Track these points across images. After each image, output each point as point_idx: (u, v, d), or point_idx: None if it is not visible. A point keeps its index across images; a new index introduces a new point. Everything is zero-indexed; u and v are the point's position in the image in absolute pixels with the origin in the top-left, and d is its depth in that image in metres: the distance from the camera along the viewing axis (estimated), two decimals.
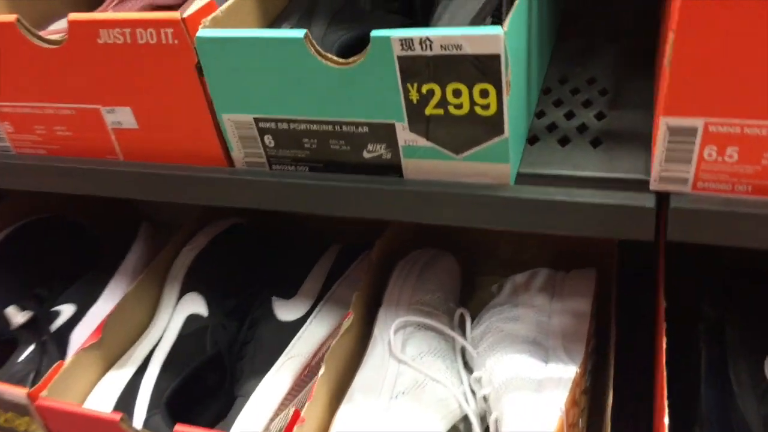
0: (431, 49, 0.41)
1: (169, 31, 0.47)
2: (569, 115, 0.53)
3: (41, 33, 0.51)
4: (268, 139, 0.49)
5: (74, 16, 0.49)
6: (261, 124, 0.49)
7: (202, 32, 0.46)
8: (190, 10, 0.47)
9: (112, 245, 0.74)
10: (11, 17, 0.50)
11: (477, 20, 0.45)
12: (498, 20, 0.47)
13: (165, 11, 0.59)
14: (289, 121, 0.48)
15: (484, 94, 0.42)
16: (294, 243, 0.73)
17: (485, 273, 0.79)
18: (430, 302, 0.61)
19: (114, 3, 0.60)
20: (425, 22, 0.53)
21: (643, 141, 0.49)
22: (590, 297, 0.61)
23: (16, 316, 0.64)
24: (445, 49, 0.41)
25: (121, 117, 0.53)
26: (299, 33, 0.44)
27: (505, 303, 0.62)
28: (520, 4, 0.43)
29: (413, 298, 0.61)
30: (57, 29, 0.64)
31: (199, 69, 0.48)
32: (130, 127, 0.53)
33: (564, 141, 0.51)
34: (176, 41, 0.47)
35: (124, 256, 0.71)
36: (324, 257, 0.69)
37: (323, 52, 0.44)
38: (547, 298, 0.61)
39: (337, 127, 0.47)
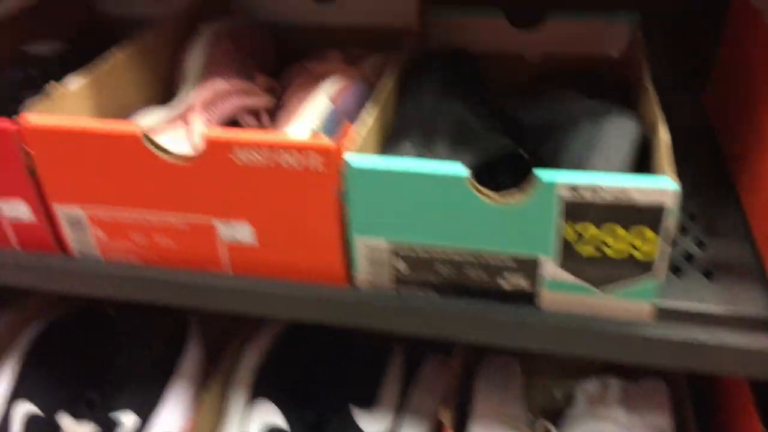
0: (600, 197, 0.42)
1: (318, 157, 0.46)
2: (672, 243, 0.56)
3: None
4: (401, 264, 0.49)
5: (210, 132, 0.47)
6: (396, 249, 0.48)
7: (354, 162, 0.46)
8: (332, 139, 0.46)
9: (161, 342, 0.70)
10: (137, 130, 0.48)
11: (631, 165, 0.47)
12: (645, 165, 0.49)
13: (257, 111, 0.59)
14: (426, 249, 0.48)
15: (644, 238, 0.43)
16: (353, 343, 0.72)
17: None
18: (514, 414, 0.61)
19: (199, 104, 0.58)
20: (537, 145, 0.55)
21: (755, 274, 0.51)
22: (666, 409, 0.62)
23: (73, 427, 0.60)
24: (615, 197, 0.42)
25: (238, 232, 0.51)
26: (460, 170, 0.44)
27: (584, 415, 0.63)
28: (665, 146, 0.45)
29: (501, 410, 0.61)
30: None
31: (342, 195, 0.47)
32: (247, 242, 0.52)
33: (675, 270, 0.53)
34: (323, 168, 0.46)
35: (179, 355, 0.68)
36: (393, 361, 0.68)
37: (483, 190, 0.45)
38: (626, 412, 0.63)
39: (480, 258, 0.47)
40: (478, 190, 0.45)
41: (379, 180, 0.46)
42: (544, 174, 0.43)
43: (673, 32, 0.75)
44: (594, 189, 0.42)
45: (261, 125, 0.61)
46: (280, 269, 0.52)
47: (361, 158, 0.46)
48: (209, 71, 0.65)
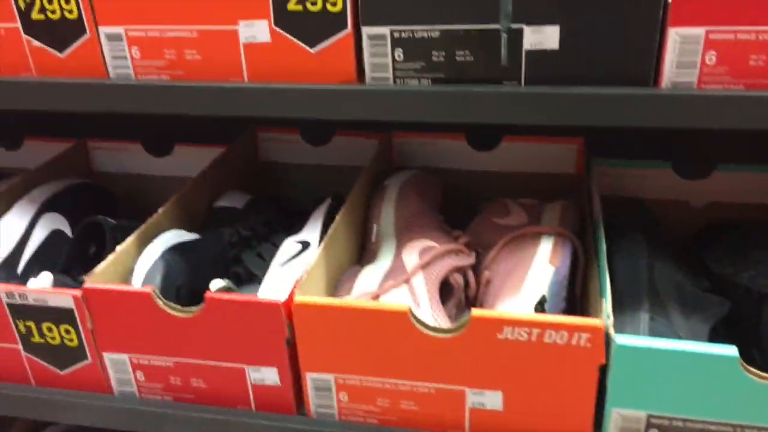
0: None
1: (584, 335, 0.49)
2: None
3: None
4: None
5: (478, 313, 0.51)
6: (654, 421, 0.51)
7: (621, 341, 0.49)
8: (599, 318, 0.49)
9: None
10: (404, 308, 0.52)
11: None
12: None
13: (465, 270, 0.62)
14: (686, 421, 0.50)
15: None
16: None
17: None
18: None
19: (419, 266, 0.62)
20: (754, 309, 0.58)
21: None
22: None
23: None
24: None
25: (488, 400, 0.54)
26: (731, 351, 0.47)
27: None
28: None
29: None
30: None
31: (603, 369, 0.50)
32: (493, 408, 0.54)
33: None
34: (588, 344, 0.49)
35: None
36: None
37: (752, 369, 0.47)
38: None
39: (738, 430, 0.50)
40: (747, 369, 0.47)
41: (646, 357, 0.49)
42: None
43: None
44: None
45: (468, 283, 0.64)
46: None
47: (626, 336, 0.49)
48: (404, 226, 0.69)
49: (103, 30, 0.59)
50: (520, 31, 0.53)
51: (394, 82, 0.57)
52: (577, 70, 0.53)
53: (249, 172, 0.86)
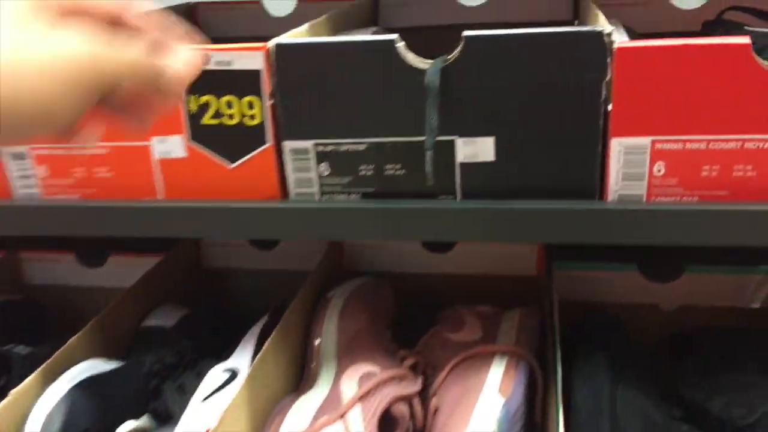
0: None
1: None
2: None
3: None
4: None
5: None
6: None
7: None
8: None
9: None
10: None
11: None
12: None
13: (410, 398, 0.55)
14: None
15: None
16: None
17: None
18: None
19: (356, 398, 0.56)
20: None
21: None
22: None
23: None
24: None
25: None
26: None
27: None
28: None
29: None
30: None
31: None
32: None
33: None
34: None
35: None
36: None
37: None
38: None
39: None
40: None
41: None
42: None
43: None
44: None
45: (414, 413, 0.58)
46: None
47: None
48: (347, 346, 0.63)
49: (6, 150, 0.54)
50: (452, 143, 0.48)
51: (321, 197, 0.52)
52: (516, 182, 0.49)
53: (190, 281, 0.81)
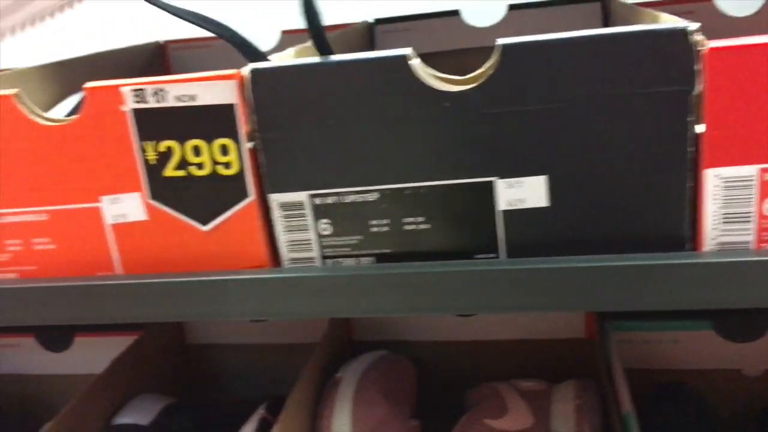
0: None
1: None
2: None
3: None
4: None
5: None
6: None
7: None
8: None
9: None
10: None
11: None
12: None
13: None
14: None
15: None
16: None
17: None
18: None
19: None
20: None
21: None
22: None
23: None
24: None
25: None
26: None
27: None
28: None
29: None
30: None
31: None
32: None
33: None
34: None
35: None
36: None
37: None
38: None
39: None
40: None
41: None
42: None
43: None
44: None
45: None
46: None
47: None
48: None
49: None
50: (490, 186, 0.37)
51: (323, 263, 0.40)
52: (577, 232, 0.37)
53: (171, 362, 0.68)
